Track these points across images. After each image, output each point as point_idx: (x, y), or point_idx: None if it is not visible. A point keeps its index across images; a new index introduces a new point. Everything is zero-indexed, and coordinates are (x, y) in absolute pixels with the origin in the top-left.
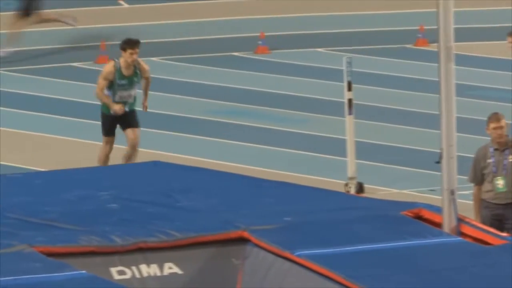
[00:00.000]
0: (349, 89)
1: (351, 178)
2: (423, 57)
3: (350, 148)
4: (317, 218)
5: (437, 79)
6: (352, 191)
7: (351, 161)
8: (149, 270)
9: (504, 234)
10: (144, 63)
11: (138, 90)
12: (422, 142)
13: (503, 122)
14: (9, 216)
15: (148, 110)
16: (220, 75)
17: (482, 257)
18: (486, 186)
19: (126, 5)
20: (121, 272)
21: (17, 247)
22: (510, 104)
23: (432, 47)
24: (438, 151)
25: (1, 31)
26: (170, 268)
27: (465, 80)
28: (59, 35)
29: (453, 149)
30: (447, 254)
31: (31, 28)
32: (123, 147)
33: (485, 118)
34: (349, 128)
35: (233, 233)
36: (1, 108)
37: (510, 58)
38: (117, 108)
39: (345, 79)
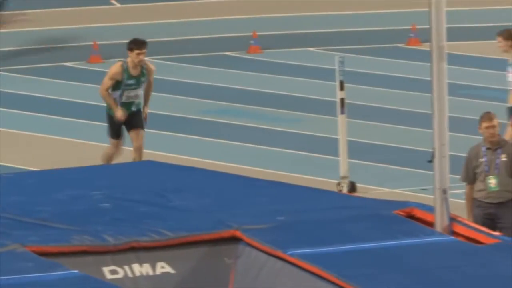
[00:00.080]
0: (342, 88)
1: (343, 178)
2: (415, 56)
3: (343, 148)
4: (309, 217)
5: (429, 79)
6: (345, 190)
7: (343, 161)
8: (141, 269)
9: (496, 233)
10: (151, 63)
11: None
12: (414, 141)
13: (496, 121)
14: (1, 215)
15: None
16: (212, 74)
17: (475, 256)
18: (479, 185)
19: (118, 5)
20: (113, 272)
21: (9, 246)
22: (502, 103)
23: (424, 47)
24: (430, 150)
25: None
26: (163, 268)
27: (458, 79)
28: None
29: (445, 148)
30: (439, 253)
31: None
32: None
33: (478, 117)
34: (342, 128)
35: (226, 233)
36: None
37: (502, 57)
38: (119, 115)
39: (337, 79)
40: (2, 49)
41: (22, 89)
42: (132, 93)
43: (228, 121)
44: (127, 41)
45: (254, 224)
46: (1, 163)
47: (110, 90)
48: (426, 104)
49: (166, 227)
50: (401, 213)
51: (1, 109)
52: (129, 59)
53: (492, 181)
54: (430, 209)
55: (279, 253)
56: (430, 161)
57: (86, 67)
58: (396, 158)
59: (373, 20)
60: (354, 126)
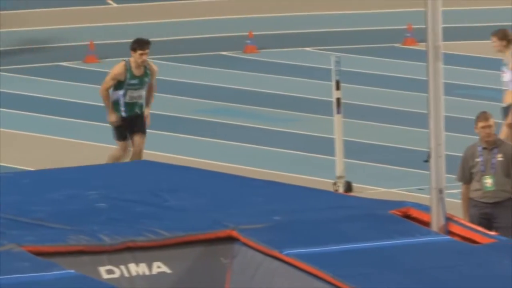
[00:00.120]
0: (338, 88)
1: (339, 177)
2: (411, 56)
3: (339, 147)
4: (305, 217)
5: (425, 78)
6: (341, 190)
7: (339, 160)
8: (137, 269)
9: (492, 233)
10: (153, 64)
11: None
12: (410, 141)
13: (492, 121)
14: None
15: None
16: (208, 74)
17: (471, 256)
18: (475, 185)
19: (114, 5)
20: (109, 271)
21: (5, 246)
22: (499, 103)
23: (420, 46)
24: (427, 150)
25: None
26: (159, 267)
27: (454, 79)
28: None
29: (442, 148)
30: (435, 253)
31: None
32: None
33: (474, 117)
34: (338, 127)
35: (222, 232)
36: None
37: (498, 57)
38: (112, 119)
39: (334, 78)
40: None
41: (18, 89)
42: (135, 93)
43: (224, 121)
44: (123, 41)
45: (250, 224)
46: None
47: (112, 90)
48: (422, 104)
49: (162, 227)
50: (397, 212)
51: None
52: (132, 59)
53: (488, 181)
54: (426, 208)
55: (275, 253)
56: (426, 161)
57: (82, 67)
58: (392, 158)
59: (369, 20)
60: (350, 126)
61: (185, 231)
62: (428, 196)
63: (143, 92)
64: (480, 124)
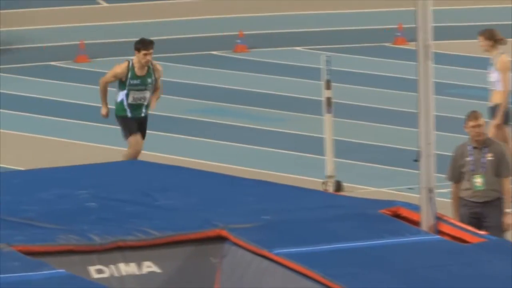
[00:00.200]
0: (328, 87)
1: (329, 177)
2: (402, 55)
3: (329, 147)
4: (295, 216)
5: (415, 78)
6: (331, 189)
7: (329, 160)
8: (127, 268)
9: (482, 232)
10: (158, 64)
11: None
12: (400, 141)
13: (482, 121)
14: None
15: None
16: (198, 74)
17: (460, 255)
18: (465, 184)
19: (105, 4)
20: (99, 271)
21: None
22: (489, 103)
23: (411, 46)
24: (417, 149)
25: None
26: (149, 267)
27: (444, 78)
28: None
29: (432, 147)
30: (425, 252)
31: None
32: (123, 148)
33: (464, 116)
34: (328, 127)
35: (212, 232)
36: None
37: (488, 56)
38: (103, 112)
39: (324, 78)
40: None
41: (8, 89)
42: (138, 94)
43: (214, 120)
44: (114, 40)
45: (240, 223)
46: None
47: (117, 90)
48: (412, 103)
49: (152, 226)
50: (387, 212)
51: None
52: (135, 59)
53: (478, 180)
54: (416, 208)
55: (265, 252)
56: (416, 160)
57: (72, 67)
58: (382, 157)
59: (359, 19)
60: (340, 125)
61: (175, 230)
62: (418, 196)
63: (147, 94)
64: (470, 123)
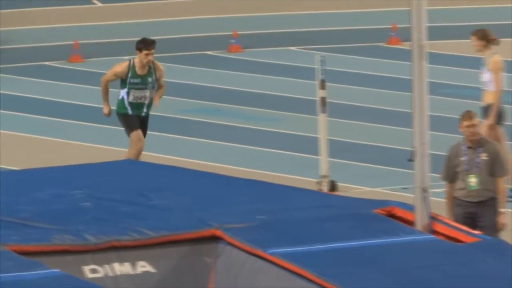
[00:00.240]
0: (322, 87)
1: (323, 176)
2: (396, 55)
3: (323, 146)
4: (290, 216)
5: (410, 78)
6: (325, 189)
7: (324, 159)
8: (122, 268)
9: (476, 232)
10: (160, 64)
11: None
12: (395, 140)
13: (476, 120)
14: None
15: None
16: (193, 74)
17: (455, 255)
18: (459, 184)
19: (99, 4)
20: (94, 271)
21: None
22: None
23: (405, 46)
24: (411, 149)
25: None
26: (143, 267)
27: (438, 78)
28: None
29: (426, 147)
30: (420, 252)
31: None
32: (125, 149)
33: (458, 116)
34: (322, 126)
35: (206, 232)
36: None
37: (483, 56)
38: (105, 111)
39: (319, 78)
40: None
41: (2, 88)
42: (139, 93)
43: (208, 120)
44: (108, 40)
45: (234, 223)
46: None
47: (119, 87)
48: (406, 103)
49: (146, 226)
50: (382, 212)
51: None
52: (137, 59)
53: (473, 180)
54: (411, 208)
55: (260, 252)
56: (411, 160)
57: (66, 66)
58: (376, 157)
59: (354, 19)
60: (335, 125)
61: (169, 230)
62: (412, 195)
63: (147, 93)
64: (465, 123)
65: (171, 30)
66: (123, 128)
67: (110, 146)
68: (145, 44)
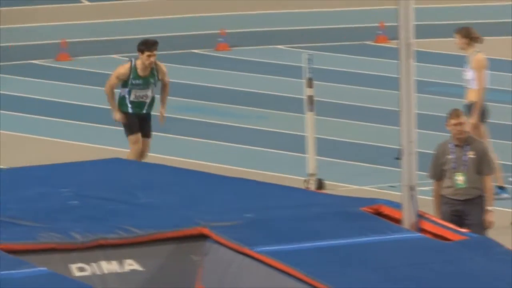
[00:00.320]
0: (310, 85)
1: (311, 175)
2: (383, 53)
3: (310, 145)
4: (277, 214)
5: (397, 76)
6: (312, 187)
7: (311, 158)
8: (109, 266)
9: (463, 230)
10: (162, 64)
11: (156, 95)
12: (382, 139)
13: (463, 119)
14: None
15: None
16: (180, 72)
17: (442, 253)
18: (446, 182)
19: (87, 3)
20: (81, 269)
21: None
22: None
23: (392, 44)
24: (398, 147)
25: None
26: (130, 265)
27: (425, 76)
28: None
29: (413, 145)
30: (407, 250)
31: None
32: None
33: (445, 114)
34: (310, 125)
35: (193, 230)
36: None
37: (466, 54)
38: (117, 117)
39: (306, 76)
40: None
41: None
42: (140, 92)
43: (196, 119)
44: (95, 39)
45: (221, 221)
46: None
47: (120, 86)
48: (394, 101)
49: (133, 224)
50: (369, 210)
51: None
52: (138, 61)
53: (460, 178)
54: (398, 206)
55: (247, 250)
56: (398, 158)
57: (54, 65)
58: (363, 155)
59: (341, 17)
60: (322, 123)
61: (156, 228)
62: (399, 193)
63: (149, 92)
64: (452, 121)
65: (158, 28)
66: (122, 128)
67: (98, 144)
68: (147, 46)
